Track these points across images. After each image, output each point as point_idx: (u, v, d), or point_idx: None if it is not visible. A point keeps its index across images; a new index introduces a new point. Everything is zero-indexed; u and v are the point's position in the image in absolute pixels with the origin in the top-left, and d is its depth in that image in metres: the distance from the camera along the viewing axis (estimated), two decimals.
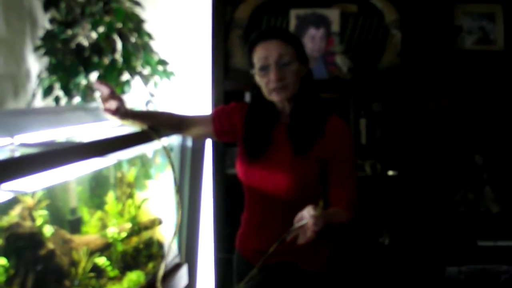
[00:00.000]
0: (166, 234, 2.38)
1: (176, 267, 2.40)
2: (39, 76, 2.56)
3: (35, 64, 2.61)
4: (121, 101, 1.86)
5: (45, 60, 2.55)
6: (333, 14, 2.77)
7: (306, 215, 1.57)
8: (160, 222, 2.35)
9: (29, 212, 1.64)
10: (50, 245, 1.70)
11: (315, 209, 1.57)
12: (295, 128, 1.88)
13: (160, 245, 2.34)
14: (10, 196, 1.48)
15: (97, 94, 1.90)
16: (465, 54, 2.83)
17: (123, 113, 1.87)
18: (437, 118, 2.84)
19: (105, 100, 1.86)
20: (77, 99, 2.54)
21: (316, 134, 1.85)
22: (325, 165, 1.87)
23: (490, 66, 2.80)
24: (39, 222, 1.67)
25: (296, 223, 1.60)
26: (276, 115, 1.93)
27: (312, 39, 2.74)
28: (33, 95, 2.52)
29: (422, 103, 2.75)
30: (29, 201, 1.64)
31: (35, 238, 1.65)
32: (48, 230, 1.70)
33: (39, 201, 1.68)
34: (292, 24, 2.76)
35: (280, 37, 1.84)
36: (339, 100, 2.88)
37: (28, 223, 1.63)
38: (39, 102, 2.58)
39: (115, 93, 1.86)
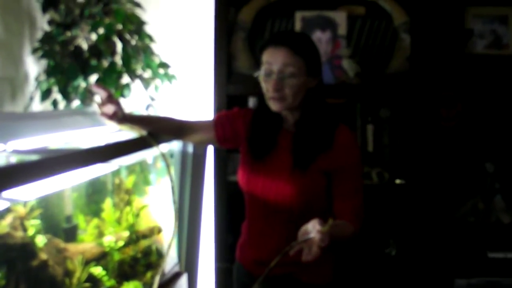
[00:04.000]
0: (166, 242, 2.33)
1: (175, 276, 2.37)
2: (36, 79, 2.50)
3: (33, 67, 2.57)
4: (118, 105, 1.83)
5: (44, 62, 2.51)
6: (339, 17, 2.71)
7: (312, 230, 1.51)
8: (159, 231, 2.30)
9: (21, 222, 1.60)
10: (43, 256, 1.66)
11: (322, 224, 1.51)
12: (300, 142, 1.82)
13: (159, 254, 2.29)
14: (3, 205, 1.43)
15: (97, 98, 1.85)
16: (477, 59, 2.78)
17: (120, 118, 1.83)
18: (447, 125, 2.80)
19: (102, 104, 1.81)
20: (76, 102, 2.49)
21: (323, 147, 1.80)
22: (331, 177, 1.82)
23: (502, 71, 2.75)
24: (31, 232, 1.62)
25: (300, 236, 1.53)
26: (280, 122, 1.88)
27: (318, 42, 2.67)
28: (31, 98, 2.47)
29: (431, 109, 2.70)
30: (20, 210, 1.60)
31: (26, 249, 1.61)
32: (40, 240, 1.66)
33: (32, 210, 1.63)
34: (298, 26, 2.71)
35: (290, 46, 1.74)
36: (346, 106, 2.84)
37: (19, 233, 1.59)
38: (37, 105, 2.52)
39: (113, 97, 1.83)
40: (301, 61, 1.74)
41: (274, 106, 1.78)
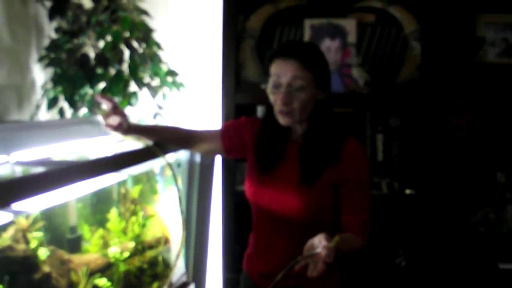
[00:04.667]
0: (174, 252, 2.31)
1: (183, 286, 2.34)
2: (43, 87, 2.49)
3: (40, 75, 2.55)
4: (123, 116, 1.81)
5: (51, 70, 2.49)
6: (349, 25, 2.68)
7: (318, 245, 1.48)
8: (166, 241, 2.28)
9: (23, 234, 1.58)
10: (46, 268, 1.65)
11: (328, 240, 1.48)
12: (308, 154, 1.79)
13: (166, 264, 2.27)
14: (7, 218, 1.42)
15: (104, 106, 1.83)
16: (488, 67, 2.74)
17: (125, 129, 1.81)
18: (458, 135, 2.76)
19: (107, 115, 1.80)
20: (83, 111, 2.47)
21: (331, 160, 1.77)
22: (339, 189, 1.79)
23: None
24: (33, 244, 1.60)
25: (306, 251, 1.51)
26: (287, 133, 1.86)
27: (327, 51, 2.65)
28: (37, 107, 2.45)
29: (442, 119, 2.67)
30: (23, 222, 1.58)
31: (29, 262, 1.60)
32: (43, 252, 1.64)
33: (34, 221, 1.61)
34: (307, 34, 2.68)
35: (299, 59, 1.72)
36: (355, 115, 2.81)
37: (21, 246, 1.57)
38: (43, 114, 2.51)
39: (118, 108, 1.81)
40: (310, 74, 1.72)
41: (282, 120, 1.76)
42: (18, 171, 1.44)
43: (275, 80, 1.74)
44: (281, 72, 1.72)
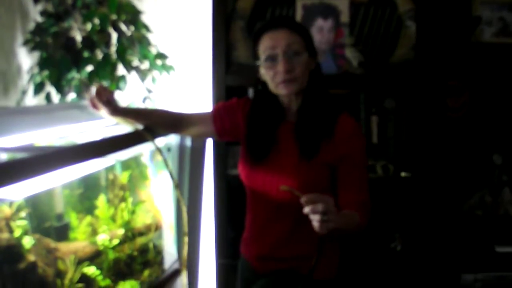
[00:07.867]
0: (166, 238, 2.28)
1: (175, 274, 2.33)
2: (29, 71, 2.44)
3: (26, 59, 2.50)
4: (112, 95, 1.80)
5: (37, 55, 2.44)
6: (342, 4, 2.63)
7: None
8: (157, 228, 2.24)
9: (6, 223, 1.53)
10: (31, 257, 1.60)
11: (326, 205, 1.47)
12: (303, 128, 1.77)
13: (157, 251, 2.23)
14: None
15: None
16: (484, 47, 2.70)
17: (113, 108, 1.80)
18: (454, 116, 2.73)
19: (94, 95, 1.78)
20: (71, 96, 2.43)
21: (325, 135, 1.75)
22: (335, 169, 1.77)
23: (510, 60, 2.67)
24: (17, 233, 1.56)
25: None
26: (281, 113, 1.84)
27: (320, 31, 2.61)
28: (23, 92, 2.40)
29: (438, 100, 2.62)
30: (6, 210, 1.53)
31: (13, 251, 1.55)
32: (28, 241, 1.60)
33: (18, 209, 1.56)
34: (299, 14, 2.62)
35: (288, 26, 1.75)
36: (349, 96, 2.76)
37: (4, 235, 1.52)
38: (30, 99, 2.46)
39: (107, 88, 1.80)
40: (301, 39, 1.75)
41: (285, 89, 1.75)
42: (2, 157, 1.40)
43: (269, 53, 1.74)
44: (275, 43, 1.73)
